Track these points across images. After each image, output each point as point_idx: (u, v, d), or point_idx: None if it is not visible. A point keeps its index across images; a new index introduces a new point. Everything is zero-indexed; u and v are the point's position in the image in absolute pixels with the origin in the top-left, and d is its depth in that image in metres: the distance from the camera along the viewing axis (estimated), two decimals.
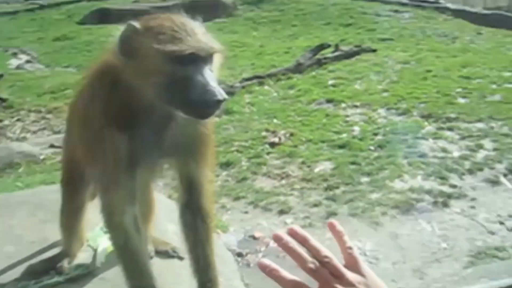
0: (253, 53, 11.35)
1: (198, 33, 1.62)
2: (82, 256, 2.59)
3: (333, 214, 4.07)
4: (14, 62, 12.66)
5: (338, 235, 1.02)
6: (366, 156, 5.11)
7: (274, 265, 0.94)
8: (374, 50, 9.58)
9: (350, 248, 0.98)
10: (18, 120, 7.90)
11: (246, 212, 4.27)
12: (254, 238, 3.81)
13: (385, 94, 7.16)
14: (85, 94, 1.89)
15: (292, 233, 0.97)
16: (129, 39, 1.63)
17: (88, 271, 2.45)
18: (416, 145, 5.31)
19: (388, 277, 3.14)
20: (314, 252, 0.95)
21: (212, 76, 1.60)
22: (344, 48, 9.67)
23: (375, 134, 5.69)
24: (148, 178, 2.18)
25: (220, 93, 1.56)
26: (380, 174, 4.65)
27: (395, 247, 3.54)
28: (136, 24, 1.65)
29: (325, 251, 0.95)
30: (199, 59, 1.59)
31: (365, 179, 4.63)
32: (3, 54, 13.91)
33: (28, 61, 12.88)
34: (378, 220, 3.87)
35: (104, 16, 15.68)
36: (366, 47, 9.78)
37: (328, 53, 9.46)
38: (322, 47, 9.57)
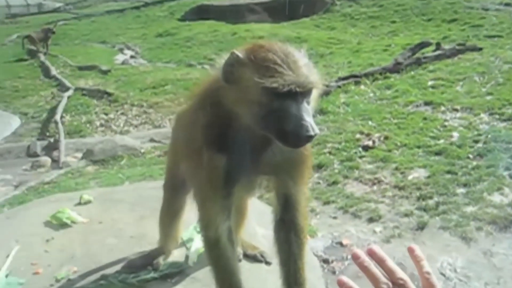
0: (350, 50, 11.25)
1: (300, 67, 1.69)
2: (176, 254, 2.80)
3: (424, 225, 3.98)
4: (120, 58, 13.54)
5: (416, 259, 1.04)
6: (464, 165, 4.92)
7: (351, 283, 0.98)
8: (479, 49, 9.13)
9: (428, 273, 1.01)
10: (122, 114, 8.46)
11: (335, 218, 4.29)
12: (342, 245, 3.83)
13: (489, 97, 6.81)
14: (190, 113, 2.05)
15: (371, 253, 1.01)
16: (232, 67, 1.76)
17: (181, 269, 2.64)
18: None
19: None
20: (389, 273, 0.99)
21: (308, 110, 1.68)
22: (446, 46, 9.31)
23: (476, 142, 5.45)
24: (244, 194, 2.31)
25: (313, 129, 1.63)
26: (477, 186, 4.46)
27: (489, 266, 3.40)
28: (240, 53, 1.76)
29: (400, 273, 0.98)
30: (297, 93, 1.66)
31: (461, 190, 4.47)
32: (110, 50, 14.89)
33: (132, 57, 13.71)
34: (472, 236, 3.73)
35: (203, 13, 16.26)
36: (471, 45, 9.35)
37: (428, 51, 9.16)
38: (422, 45, 9.29)
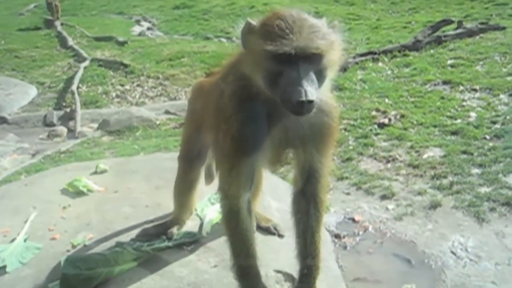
0: (369, 27, 11.12)
1: (304, 32, 1.68)
2: (190, 225, 2.85)
3: (437, 204, 4.00)
4: (136, 29, 13.53)
5: None
6: (480, 145, 4.90)
7: None
8: (502, 28, 8.98)
9: None
10: (138, 85, 8.51)
11: (348, 194, 4.32)
12: (354, 221, 3.87)
13: (509, 78, 6.73)
14: (218, 83, 2.08)
15: None
16: (246, 35, 1.79)
17: (195, 239, 2.70)
18: None
19: (489, 278, 3.07)
20: None
21: (309, 76, 1.66)
22: (468, 25, 9.17)
23: (493, 123, 5.41)
24: (269, 167, 2.34)
25: (306, 94, 1.61)
26: (493, 167, 4.45)
27: (501, 247, 3.41)
28: (253, 21, 1.79)
29: None
30: (297, 58, 1.65)
31: (476, 170, 4.46)
32: (127, 21, 14.88)
33: (149, 28, 13.71)
34: (485, 216, 3.74)
35: None
36: (494, 24, 9.20)
37: (450, 30, 9.04)
38: (444, 23, 9.16)
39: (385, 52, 8.47)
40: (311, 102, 1.63)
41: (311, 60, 1.68)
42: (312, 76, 1.68)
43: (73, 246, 2.70)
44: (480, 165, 4.53)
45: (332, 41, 1.75)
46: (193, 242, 2.68)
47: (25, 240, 2.77)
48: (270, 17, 1.77)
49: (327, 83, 1.84)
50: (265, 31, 1.72)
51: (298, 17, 1.73)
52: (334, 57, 1.78)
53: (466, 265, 3.26)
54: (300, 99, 1.61)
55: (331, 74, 1.79)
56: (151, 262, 2.50)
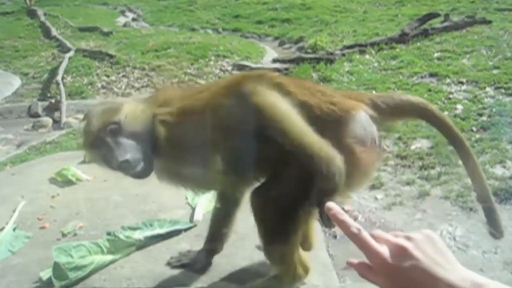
0: (356, 19, 11.18)
1: (93, 123, 1.92)
2: (181, 213, 2.85)
3: (425, 194, 4.05)
4: (121, 20, 13.44)
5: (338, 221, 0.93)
6: (467, 137, 4.95)
7: (338, 208, 0.95)
8: (489, 22, 9.07)
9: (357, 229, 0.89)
10: (123, 76, 8.45)
11: None
12: (344, 210, 3.89)
13: (495, 71, 6.81)
14: None
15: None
16: None
17: (186, 227, 2.70)
18: None
19: (476, 267, 3.12)
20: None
21: (117, 144, 1.86)
22: (455, 18, 9.26)
23: (480, 115, 5.49)
24: None
25: (118, 158, 1.82)
26: (480, 158, 4.51)
27: (487, 236, 3.42)
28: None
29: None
30: (101, 140, 1.88)
31: None
32: (112, 11, 14.75)
33: (134, 19, 13.62)
34: (472, 206, 3.80)
35: None
36: (480, 18, 9.29)
37: (436, 23, 9.12)
38: (430, 16, 9.25)
39: (372, 45, 8.53)
40: (125, 161, 1.82)
41: (112, 132, 1.87)
42: (123, 141, 1.87)
43: (64, 235, 2.69)
44: None
45: (118, 108, 1.94)
46: (185, 230, 2.68)
47: (14, 229, 2.75)
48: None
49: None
50: (84, 127, 2.01)
51: (91, 111, 2.00)
52: (130, 117, 1.92)
53: (454, 254, 3.29)
54: (117, 163, 1.83)
55: (140, 127, 1.92)
56: (143, 250, 2.50)
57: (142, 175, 1.92)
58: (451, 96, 6.15)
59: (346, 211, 2.95)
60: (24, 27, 12.25)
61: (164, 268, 2.36)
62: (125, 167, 1.84)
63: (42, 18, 12.74)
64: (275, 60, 8.86)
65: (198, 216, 2.78)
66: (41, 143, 5.82)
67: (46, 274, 2.29)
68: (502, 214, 3.72)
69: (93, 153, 1.99)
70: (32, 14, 13.31)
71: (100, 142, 1.88)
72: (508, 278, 2.91)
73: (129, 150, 1.85)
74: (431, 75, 6.96)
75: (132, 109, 1.96)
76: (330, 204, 0.96)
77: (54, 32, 11.37)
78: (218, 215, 2.32)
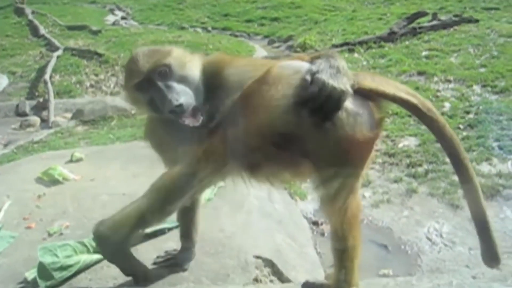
0: (345, 18, 11.20)
1: (140, 61, 1.84)
2: None
3: (412, 191, 4.07)
4: (110, 18, 13.37)
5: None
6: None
7: None
8: (476, 21, 9.13)
9: None
10: (112, 75, 8.40)
11: None
12: None
13: (482, 69, 6.84)
14: None
15: None
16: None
17: (172, 227, 2.69)
18: (510, 127, 5.10)
19: (462, 263, 3.15)
20: None
21: (169, 87, 1.80)
22: (443, 17, 9.31)
23: (467, 112, 5.52)
24: None
25: (177, 99, 1.76)
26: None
27: (474, 232, 3.41)
28: None
29: None
30: (150, 80, 1.82)
31: None
32: (100, 10, 14.66)
33: (123, 18, 13.56)
34: (458, 203, 3.82)
35: None
36: (467, 17, 9.35)
37: (424, 22, 9.17)
38: (418, 15, 9.29)
39: (360, 43, 8.55)
40: (180, 106, 1.75)
41: (160, 76, 1.82)
42: (174, 85, 1.81)
43: (49, 235, 2.67)
44: None
45: (168, 51, 1.90)
46: (170, 229, 2.67)
47: None
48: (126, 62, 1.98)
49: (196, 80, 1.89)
50: (124, 74, 1.95)
51: (139, 51, 1.90)
52: (180, 61, 1.88)
53: (441, 250, 3.34)
54: (171, 108, 1.76)
55: (191, 72, 1.87)
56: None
57: (192, 121, 1.80)
58: (438, 94, 6.18)
59: None
60: (11, 25, 12.15)
61: (150, 267, 2.35)
62: (179, 112, 1.76)
63: (30, 16, 12.63)
64: None
65: None
66: (28, 142, 5.78)
67: (31, 274, 2.27)
68: (488, 211, 3.76)
69: (137, 96, 1.86)
70: (19, 12, 13.19)
71: (148, 85, 1.82)
72: (493, 273, 2.93)
73: (182, 94, 1.79)
74: (419, 73, 6.98)
75: (182, 54, 1.92)
76: None
77: (42, 30, 11.28)
78: (185, 211, 2.29)
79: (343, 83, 1.66)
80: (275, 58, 2.03)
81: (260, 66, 1.83)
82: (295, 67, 1.75)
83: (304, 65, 1.74)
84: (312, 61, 1.75)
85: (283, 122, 1.67)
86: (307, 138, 1.68)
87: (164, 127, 1.92)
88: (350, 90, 1.68)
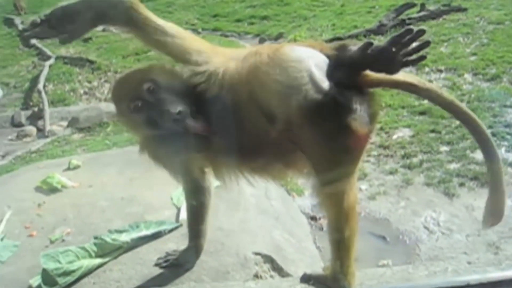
0: (333, 13, 11.21)
1: (134, 79, 1.90)
2: (167, 214, 2.88)
3: (408, 182, 4.12)
4: None
5: None
6: (447, 124, 5.04)
7: None
8: (464, 9, 9.15)
9: None
10: (105, 81, 8.41)
11: None
12: None
13: (473, 58, 6.90)
14: None
15: None
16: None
17: (172, 228, 2.73)
18: (503, 114, 5.15)
19: (460, 250, 3.20)
20: None
21: (163, 99, 1.80)
22: (431, 7, 9.33)
23: (459, 101, 5.55)
24: None
25: (175, 108, 1.76)
26: (460, 144, 4.59)
27: (471, 219, 3.55)
28: None
29: None
30: (144, 100, 1.83)
31: (444, 148, 4.60)
32: None
33: None
34: (454, 192, 3.88)
35: None
36: (456, 6, 9.37)
37: (413, 13, 9.19)
38: (407, 6, 9.29)
39: (350, 37, 8.55)
40: (180, 113, 1.75)
41: (151, 91, 1.83)
42: (166, 97, 1.81)
43: (51, 242, 2.71)
44: (448, 143, 4.67)
45: (148, 68, 1.95)
46: (170, 230, 2.71)
47: (2, 239, 2.77)
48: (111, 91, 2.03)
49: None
50: (113, 103, 1.99)
51: (119, 78, 2.02)
52: (162, 74, 1.90)
53: (439, 239, 3.39)
54: (173, 117, 1.76)
55: (175, 82, 1.88)
56: (131, 252, 2.53)
57: (199, 129, 1.80)
58: None
59: None
60: (1, 36, 12.13)
61: (152, 268, 2.39)
62: (181, 119, 1.76)
63: (20, 27, 12.60)
64: None
65: (183, 216, 2.80)
66: (26, 152, 5.80)
67: (35, 281, 2.31)
68: (482, 198, 3.80)
69: (133, 118, 1.87)
70: (9, 23, 13.16)
71: (141, 104, 1.83)
72: (489, 258, 2.98)
73: (177, 103, 1.79)
74: None
75: (161, 68, 1.95)
76: None
77: (33, 40, 11.26)
78: (194, 211, 2.34)
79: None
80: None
81: (230, 57, 1.84)
82: (305, 52, 1.74)
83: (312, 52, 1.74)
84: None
85: (291, 109, 1.65)
86: (312, 129, 1.68)
87: (159, 139, 1.93)
88: None
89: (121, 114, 1.92)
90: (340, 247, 1.93)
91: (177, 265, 2.38)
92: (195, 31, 12.13)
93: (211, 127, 1.81)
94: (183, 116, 1.76)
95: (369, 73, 1.71)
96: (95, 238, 2.56)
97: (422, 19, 8.85)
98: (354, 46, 1.69)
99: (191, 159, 2.02)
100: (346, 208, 1.86)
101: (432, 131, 4.93)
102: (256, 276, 2.37)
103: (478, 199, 3.77)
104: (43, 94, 7.64)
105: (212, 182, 2.37)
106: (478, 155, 4.39)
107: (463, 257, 3.14)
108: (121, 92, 1.88)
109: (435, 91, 1.82)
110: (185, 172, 2.15)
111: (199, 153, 1.92)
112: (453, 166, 4.27)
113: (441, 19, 8.83)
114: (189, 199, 2.34)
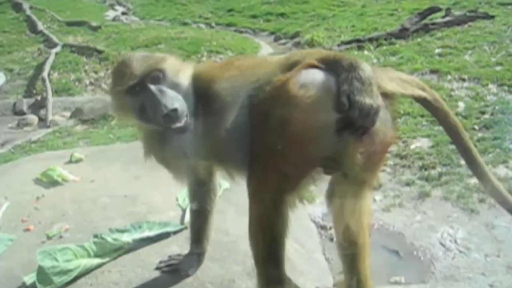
0: (354, 13, 11.19)
1: (132, 65, 1.85)
2: (172, 215, 2.85)
3: (425, 195, 4.05)
4: (110, 14, 13.41)
5: None
6: (469, 136, 4.96)
7: None
8: (491, 17, 9.09)
9: None
10: None
11: None
12: None
13: (498, 68, 6.82)
14: None
15: None
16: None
17: (176, 230, 2.69)
18: None
19: (478, 270, 3.12)
20: None
21: (161, 92, 1.81)
22: (457, 13, 9.28)
23: (482, 113, 5.49)
24: None
25: (167, 106, 1.76)
26: (482, 158, 4.49)
27: (490, 238, 3.47)
28: None
29: None
30: (144, 84, 1.82)
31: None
32: (100, 5, 14.70)
33: (123, 13, 13.60)
34: (474, 207, 3.80)
35: None
36: (482, 12, 9.31)
37: (437, 17, 9.15)
38: (431, 10, 9.26)
39: (371, 40, 8.54)
40: (174, 110, 1.76)
41: (151, 81, 1.83)
42: (166, 90, 1.82)
43: (48, 238, 2.68)
44: None
45: (162, 57, 1.92)
46: (175, 232, 2.68)
47: None
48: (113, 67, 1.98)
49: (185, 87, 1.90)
50: (112, 78, 1.98)
51: (130, 55, 1.92)
52: (173, 67, 1.89)
53: (456, 257, 3.32)
54: (163, 113, 1.77)
55: (183, 80, 1.89)
56: (132, 254, 2.50)
57: (183, 129, 1.82)
58: (452, 93, 6.16)
59: None
60: (8, 21, 12.20)
61: (153, 272, 2.36)
62: (172, 117, 1.77)
63: (28, 12, 12.68)
64: None
65: (188, 218, 2.77)
66: (26, 141, 5.80)
67: (30, 278, 2.28)
68: (504, 216, 3.74)
69: (126, 101, 1.86)
70: (17, 7, 13.25)
71: (140, 89, 1.82)
72: (510, 282, 2.92)
73: (176, 100, 1.80)
74: (432, 71, 6.96)
75: (175, 62, 1.94)
76: None
77: (40, 26, 11.32)
78: (197, 215, 2.33)
79: (377, 97, 1.65)
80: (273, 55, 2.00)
81: (250, 72, 1.83)
82: (318, 84, 1.69)
83: (325, 78, 1.69)
84: (326, 66, 1.72)
85: (322, 146, 1.68)
86: (343, 152, 1.69)
87: (164, 140, 1.92)
88: (383, 103, 1.68)
89: (116, 92, 1.88)
90: (354, 263, 1.89)
91: (179, 270, 2.34)
92: (208, 25, 12.16)
93: (209, 130, 1.82)
94: (176, 114, 1.77)
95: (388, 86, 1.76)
96: (95, 236, 2.53)
97: (446, 24, 8.79)
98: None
99: (195, 160, 1.99)
100: (359, 221, 1.83)
101: (452, 142, 4.84)
102: None
103: (499, 216, 3.70)
104: (47, 82, 7.67)
105: (219, 184, 2.35)
106: (501, 170, 4.33)
107: (480, 278, 3.07)
108: (125, 70, 1.84)
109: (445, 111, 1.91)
110: (189, 173, 2.11)
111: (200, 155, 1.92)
112: (473, 181, 4.18)
113: (466, 26, 8.76)
114: (192, 201, 2.30)
